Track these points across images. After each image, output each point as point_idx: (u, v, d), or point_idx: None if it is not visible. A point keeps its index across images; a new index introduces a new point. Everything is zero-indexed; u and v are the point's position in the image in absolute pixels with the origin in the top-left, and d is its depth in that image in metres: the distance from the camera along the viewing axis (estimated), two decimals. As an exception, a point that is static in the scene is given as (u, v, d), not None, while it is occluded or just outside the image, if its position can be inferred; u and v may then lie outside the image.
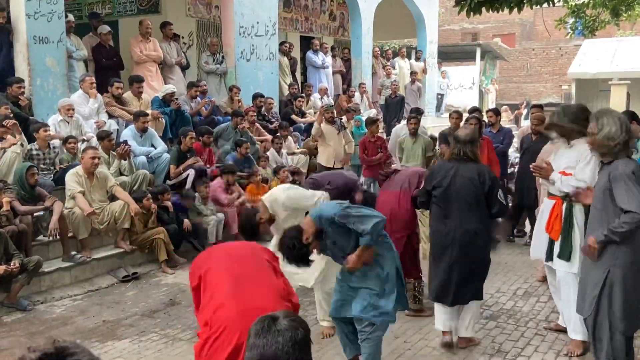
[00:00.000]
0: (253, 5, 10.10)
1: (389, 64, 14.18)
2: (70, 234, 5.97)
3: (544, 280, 5.69)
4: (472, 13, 6.46)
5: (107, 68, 8.44)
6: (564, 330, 4.38)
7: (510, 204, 7.63)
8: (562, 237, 3.97)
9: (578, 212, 3.92)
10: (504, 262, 6.41)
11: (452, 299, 4.13)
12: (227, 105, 9.35)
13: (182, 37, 10.48)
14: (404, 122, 9.40)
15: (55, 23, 7.16)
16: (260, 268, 2.97)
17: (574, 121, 3.94)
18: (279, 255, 3.35)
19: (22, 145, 6.16)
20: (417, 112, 8.46)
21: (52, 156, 6.57)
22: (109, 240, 6.45)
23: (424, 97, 14.82)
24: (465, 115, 7.80)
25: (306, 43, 13.21)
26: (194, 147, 7.51)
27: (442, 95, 17.01)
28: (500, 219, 7.65)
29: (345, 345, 3.77)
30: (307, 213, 3.52)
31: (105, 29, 8.60)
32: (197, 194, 7.02)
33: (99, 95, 7.57)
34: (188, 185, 7.20)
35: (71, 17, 8.34)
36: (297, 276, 4.08)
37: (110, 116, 7.71)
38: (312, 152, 9.30)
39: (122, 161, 6.84)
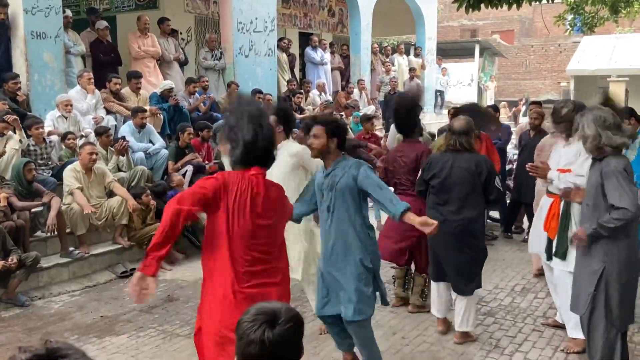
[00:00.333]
0: (252, 1, 10.07)
1: (388, 60, 14.16)
2: (68, 230, 5.96)
3: (539, 275, 5.72)
4: (470, 9, 6.46)
5: (105, 64, 8.42)
6: (561, 326, 4.39)
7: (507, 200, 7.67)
8: (559, 235, 3.98)
9: (575, 210, 3.91)
10: (502, 259, 6.42)
11: (450, 280, 4.28)
12: (226, 102, 9.33)
13: (181, 33, 10.45)
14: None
15: (52, 18, 7.14)
16: None
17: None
18: None
19: (21, 141, 6.14)
20: None
21: (48, 151, 6.56)
22: (107, 236, 6.45)
23: (422, 93, 14.79)
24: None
25: (305, 39, 13.19)
26: (192, 143, 7.50)
27: (441, 92, 16.98)
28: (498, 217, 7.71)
29: (337, 341, 3.73)
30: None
31: (102, 24, 8.57)
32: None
33: (96, 91, 7.56)
34: (186, 181, 7.19)
35: (69, 12, 8.32)
36: None
37: (108, 112, 7.70)
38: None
39: (120, 157, 6.83)
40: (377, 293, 3.52)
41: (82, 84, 7.41)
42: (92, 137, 6.93)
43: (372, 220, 3.72)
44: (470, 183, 4.10)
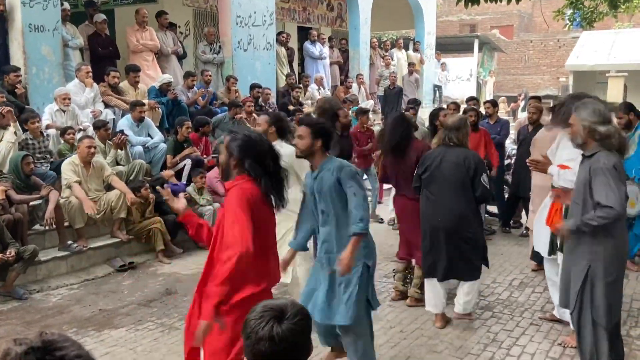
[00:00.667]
0: (250, -6, 10.04)
1: (387, 54, 14.14)
2: (66, 224, 5.96)
3: (538, 269, 5.74)
4: (470, 4, 6.44)
5: (103, 57, 8.39)
6: (559, 321, 4.41)
7: (506, 195, 7.68)
8: None
9: None
10: (500, 253, 6.43)
11: (442, 275, 4.34)
12: (224, 96, 9.32)
13: (179, 27, 10.41)
14: (401, 113, 9.38)
15: (50, 11, 7.11)
16: None
17: None
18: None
19: (15, 134, 6.12)
20: (415, 103, 8.46)
21: (46, 145, 6.54)
22: (106, 230, 6.44)
23: (421, 88, 14.80)
24: (463, 107, 7.80)
25: (304, 33, 13.16)
26: (190, 137, 7.49)
27: (439, 87, 16.96)
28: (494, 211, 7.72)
29: (317, 335, 3.65)
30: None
31: (100, 17, 8.54)
32: (192, 183, 7.02)
33: (95, 84, 7.54)
34: (184, 175, 7.19)
35: (67, 5, 8.29)
36: None
37: (107, 105, 7.69)
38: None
39: (119, 151, 6.82)
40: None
41: (80, 77, 7.38)
42: (91, 131, 6.92)
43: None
44: (459, 177, 4.20)
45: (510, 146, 8.87)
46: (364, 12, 13.17)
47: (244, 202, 2.70)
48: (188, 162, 7.25)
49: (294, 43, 12.82)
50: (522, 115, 14.74)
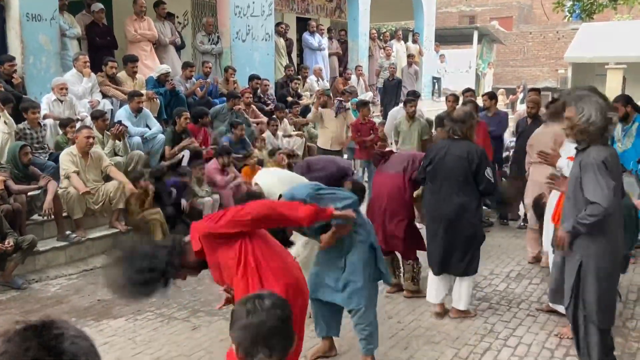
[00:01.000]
0: (249, -16, 9.99)
1: (387, 45, 14.10)
2: (64, 214, 5.96)
3: (535, 261, 5.77)
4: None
5: (100, 47, 8.34)
6: (555, 312, 4.44)
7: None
8: None
9: None
10: (498, 245, 6.46)
11: (439, 268, 4.37)
12: (222, 87, 9.30)
13: (177, 17, 10.37)
14: (401, 105, 9.37)
15: (48, 0, 7.05)
16: None
17: None
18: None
19: (6, 123, 6.04)
20: (414, 95, 8.44)
21: (43, 135, 6.52)
22: (104, 221, 6.44)
23: (420, 80, 14.77)
24: (462, 100, 7.79)
25: (302, 24, 13.10)
26: (188, 128, 7.47)
27: (438, 79, 16.91)
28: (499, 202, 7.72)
29: (317, 324, 3.74)
30: (280, 197, 3.42)
31: (98, 6, 8.48)
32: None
33: (92, 74, 7.50)
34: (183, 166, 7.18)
35: (64, -6, 8.22)
36: None
37: (104, 96, 7.65)
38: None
39: (117, 141, 6.80)
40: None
41: (78, 67, 7.35)
42: (88, 121, 6.89)
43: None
44: (462, 170, 4.19)
45: (508, 138, 8.87)
46: (363, 3, 13.11)
47: None
48: (186, 153, 7.24)
49: (292, 34, 12.77)
50: (521, 108, 14.73)
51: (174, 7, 10.05)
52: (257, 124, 8.73)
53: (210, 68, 9.05)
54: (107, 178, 6.39)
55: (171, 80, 8.14)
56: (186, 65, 8.80)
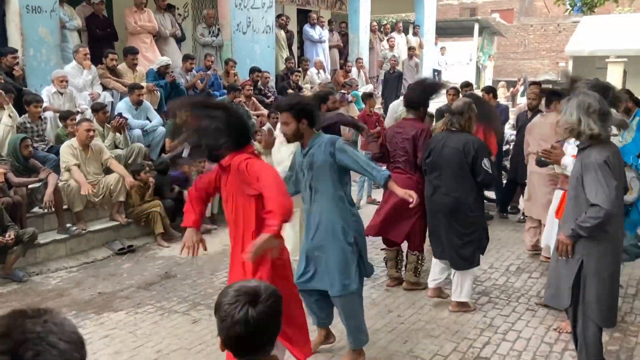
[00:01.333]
0: (249, -24, 9.94)
1: (390, 36, 14.05)
2: (65, 207, 5.97)
3: (533, 250, 5.81)
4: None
5: (100, 39, 8.31)
6: (554, 306, 4.45)
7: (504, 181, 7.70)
8: None
9: None
10: (497, 239, 6.47)
11: (439, 253, 4.49)
12: (223, 79, 9.27)
13: (178, 9, 10.31)
14: (401, 98, 9.34)
15: (47, -8, 7.03)
16: None
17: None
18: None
19: (10, 116, 6.06)
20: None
21: (43, 127, 6.52)
22: (105, 213, 6.46)
23: (421, 73, 14.71)
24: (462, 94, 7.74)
25: (303, 16, 13.03)
26: (189, 120, 7.45)
27: (439, 72, 16.85)
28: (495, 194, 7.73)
29: (312, 314, 3.74)
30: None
31: (98, -2, 8.45)
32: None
33: (93, 66, 7.48)
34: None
35: (64, -14, 8.18)
36: None
37: (105, 88, 7.64)
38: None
39: (117, 134, 6.79)
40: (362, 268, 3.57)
41: (78, 59, 7.33)
42: (89, 114, 6.88)
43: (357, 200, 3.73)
44: (459, 162, 4.23)
45: (509, 132, 8.86)
46: (364, -5, 13.04)
47: None
48: (187, 146, 7.22)
49: (293, 26, 12.71)
50: (522, 101, 14.70)
51: (174, -2, 10.01)
52: (258, 116, 8.71)
53: (212, 61, 9.00)
54: (108, 171, 6.40)
55: (171, 72, 8.12)
56: (186, 58, 8.77)
